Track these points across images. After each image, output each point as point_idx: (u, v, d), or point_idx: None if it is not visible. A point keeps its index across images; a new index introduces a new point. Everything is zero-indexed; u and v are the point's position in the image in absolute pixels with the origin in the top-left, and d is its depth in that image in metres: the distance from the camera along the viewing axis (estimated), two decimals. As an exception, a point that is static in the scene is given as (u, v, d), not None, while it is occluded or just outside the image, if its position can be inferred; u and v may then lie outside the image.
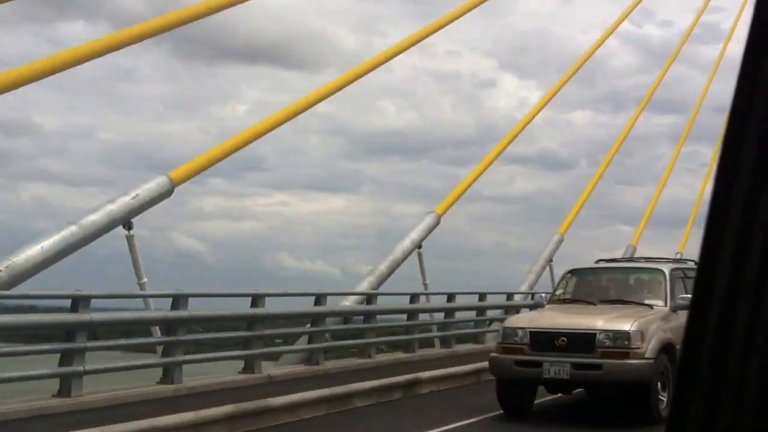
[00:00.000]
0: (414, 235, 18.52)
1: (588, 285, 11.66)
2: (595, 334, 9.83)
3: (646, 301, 10.85)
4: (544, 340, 10.10)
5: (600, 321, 10.03)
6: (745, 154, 0.87)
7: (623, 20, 27.80)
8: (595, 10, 69.85)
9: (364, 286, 16.49)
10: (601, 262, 12.37)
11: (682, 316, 9.99)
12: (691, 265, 11.66)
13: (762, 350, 0.84)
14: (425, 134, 69.07)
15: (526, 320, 11.08)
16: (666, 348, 9.93)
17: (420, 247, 18.49)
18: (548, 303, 11.56)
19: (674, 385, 0.91)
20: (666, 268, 11.32)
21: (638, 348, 9.69)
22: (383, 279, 17.11)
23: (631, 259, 14.57)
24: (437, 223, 19.26)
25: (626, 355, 9.70)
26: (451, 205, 19.96)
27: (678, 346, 9.64)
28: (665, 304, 10.70)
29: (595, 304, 10.94)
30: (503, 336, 10.61)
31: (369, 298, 15.44)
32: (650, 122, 57.89)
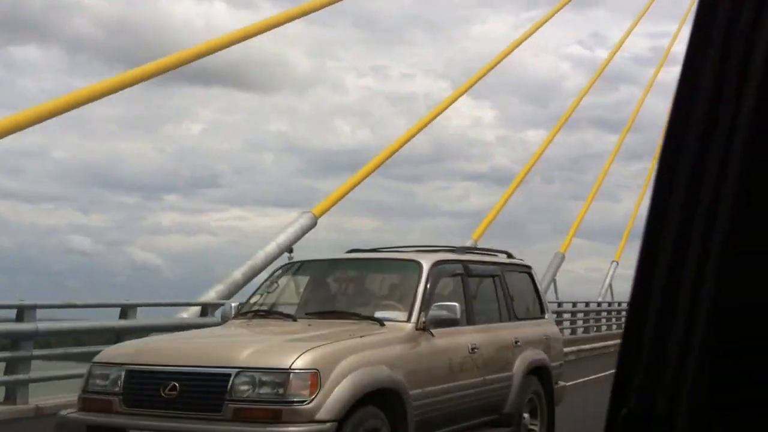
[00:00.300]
0: (282, 237, 16.23)
1: (301, 288, 7.40)
2: (229, 375, 5.28)
3: (379, 314, 6.33)
4: (145, 388, 5.55)
5: (245, 351, 5.47)
6: (682, 160, 0.95)
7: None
8: (546, 35, 71.09)
9: (210, 295, 14.24)
10: (353, 253, 7.91)
11: (443, 337, 6.40)
12: (480, 257, 8.00)
13: (700, 350, 0.88)
14: (380, 152, 68.14)
15: (131, 351, 6.11)
16: (373, 398, 5.58)
17: (291, 251, 15.45)
18: (234, 317, 7.01)
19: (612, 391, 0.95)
20: (427, 261, 6.75)
21: (304, 401, 5.15)
22: (237, 288, 14.90)
23: (392, 249, 8.12)
24: (313, 224, 16.97)
25: (278, 416, 5.16)
26: (331, 206, 17.74)
27: (431, 388, 6.14)
28: (409, 318, 6.25)
29: (294, 320, 6.60)
30: (87, 378, 5.87)
31: (205, 309, 13.06)
32: (602, 140, 57.35)
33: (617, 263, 33.99)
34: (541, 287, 8.63)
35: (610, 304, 30.38)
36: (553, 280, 26.02)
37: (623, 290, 31.04)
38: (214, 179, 76.89)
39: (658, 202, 0.95)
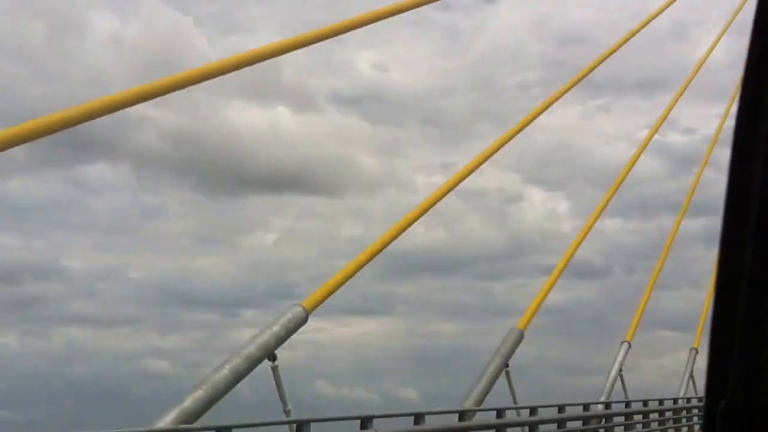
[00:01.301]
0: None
1: None
2: None
3: None
4: None
5: None
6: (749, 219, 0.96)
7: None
8: (615, 124, 70.04)
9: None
10: None
11: None
12: None
13: None
14: (455, 251, 67.99)
15: None
16: None
17: (507, 366, 18.61)
18: None
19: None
20: None
21: None
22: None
23: None
24: (521, 338, 19.37)
25: None
26: (531, 317, 20.16)
27: None
28: None
29: None
30: None
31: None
32: (682, 225, 55.19)
33: (697, 351, 29.81)
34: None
35: (689, 400, 26.33)
36: (619, 375, 23.68)
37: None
38: (290, 290, 76.56)
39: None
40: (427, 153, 73.67)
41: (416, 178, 72.71)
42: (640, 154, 27.38)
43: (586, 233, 23.30)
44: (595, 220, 23.82)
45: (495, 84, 65.34)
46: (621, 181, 25.75)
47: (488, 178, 69.15)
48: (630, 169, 26.59)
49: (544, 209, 71.90)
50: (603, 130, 74.23)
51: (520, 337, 19.22)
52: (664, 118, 28.27)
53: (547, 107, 20.56)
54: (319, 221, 72.66)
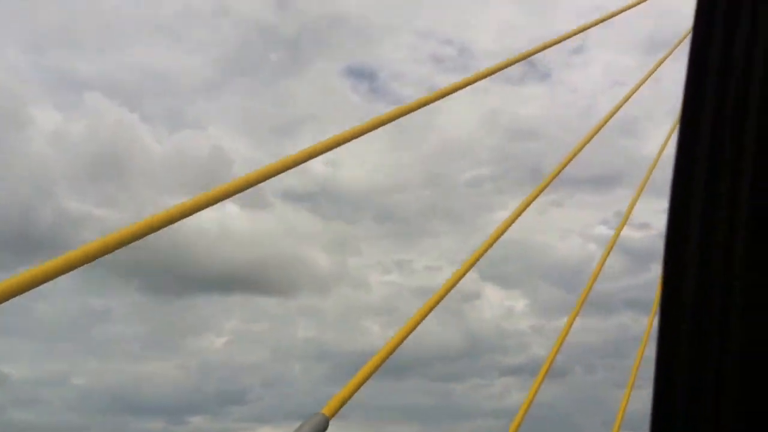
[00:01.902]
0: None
1: None
2: None
3: None
4: None
5: None
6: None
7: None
8: (569, 219, 70.61)
9: None
10: None
11: None
12: None
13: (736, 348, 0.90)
14: (411, 351, 66.40)
15: None
16: None
17: None
18: None
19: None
20: None
21: None
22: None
23: None
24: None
25: None
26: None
27: None
28: None
29: None
30: None
31: None
32: (640, 323, 55.23)
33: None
34: None
35: None
36: None
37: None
38: (241, 395, 73.82)
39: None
40: (381, 250, 72.82)
41: (370, 276, 71.51)
42: (608, 254, 27.12)
43: (566, 335, 22.57)
44: (571, 324, 23.19)
45: (447, 180, 65.33)
46: (591, 285, 25.60)
47: (444, 275, 68.34)
48: (599, 271, 26.31)
49: (501, 308, 71.20)
50: (558, 226, 74.76)
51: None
52: (628, 217, 28.25)
53: (521, 213, 19.68)
54: (271, 322, 70.65)
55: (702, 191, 0.98)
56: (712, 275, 0.92)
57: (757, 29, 0.96)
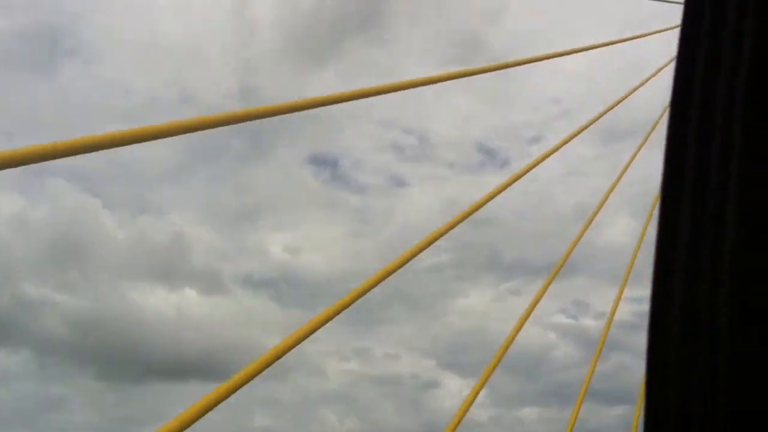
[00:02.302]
0: None
1: None
2: None
3: None
4: None
5: None
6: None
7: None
8: (526, 307, 70.88)
9: None
10: None
11: None
12: None
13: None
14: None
15: None
16: None
17: None
18: None
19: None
20: None
21: None
22: None
23: None
24: None
25: None
26: None
27: None
28: None
29: None
30: None
31: None
32: (599, 415, 54.65)
33: None
34: None
35: None
36: None
37: None
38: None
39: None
40: (339, 337, 71.99)
41: (327, 363, 70.44)
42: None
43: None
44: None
45: (407, 266, 65.24)
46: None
47: (403, 363, 67.68)
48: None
49: (460, 397, 70.22)
50: (516, 314, 74.62)
51: None
52: (615, 308, 28.03)
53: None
54: (228, 411, 68.85)
55: (689, 203, 0.97)
56: (700, 284, 0.92)
57: (744, 30, 0.95)
